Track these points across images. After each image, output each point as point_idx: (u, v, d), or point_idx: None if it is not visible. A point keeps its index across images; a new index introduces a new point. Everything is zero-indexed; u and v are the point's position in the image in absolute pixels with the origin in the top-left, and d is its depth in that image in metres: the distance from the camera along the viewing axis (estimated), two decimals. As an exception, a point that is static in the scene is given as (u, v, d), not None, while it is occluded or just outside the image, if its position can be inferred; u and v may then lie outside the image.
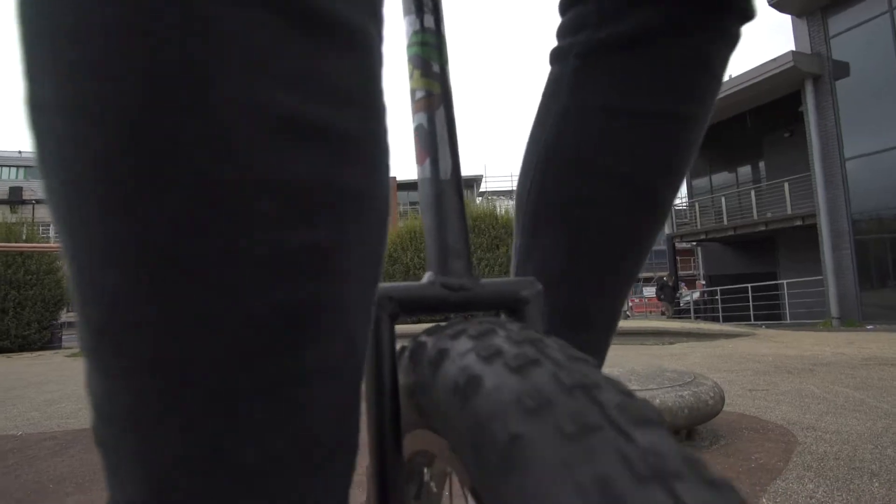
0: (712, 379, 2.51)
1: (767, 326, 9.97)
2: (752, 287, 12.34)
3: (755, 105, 13.41)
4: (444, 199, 0.39)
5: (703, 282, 19.82)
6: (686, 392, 2.22)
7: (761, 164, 15.09)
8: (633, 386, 2.31)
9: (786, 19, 11.42)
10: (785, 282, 11.68)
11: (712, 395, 2.26)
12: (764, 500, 1.67)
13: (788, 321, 11.29)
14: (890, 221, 10.21)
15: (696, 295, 18.61)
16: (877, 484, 1.75)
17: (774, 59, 10.81)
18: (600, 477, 0.16)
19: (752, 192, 13.73)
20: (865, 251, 10.49)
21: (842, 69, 10.80)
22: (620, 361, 3.87)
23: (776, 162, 13.92)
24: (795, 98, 11.88)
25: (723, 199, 14.48)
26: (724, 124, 14.56)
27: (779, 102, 12.88)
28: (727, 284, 14.00)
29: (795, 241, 13.69)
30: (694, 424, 2.27)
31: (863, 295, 10.19)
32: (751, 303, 12.25)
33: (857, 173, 10.59)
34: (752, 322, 11.42)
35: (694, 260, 33.43)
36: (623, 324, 9.73)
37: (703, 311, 14.51)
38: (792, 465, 1.97)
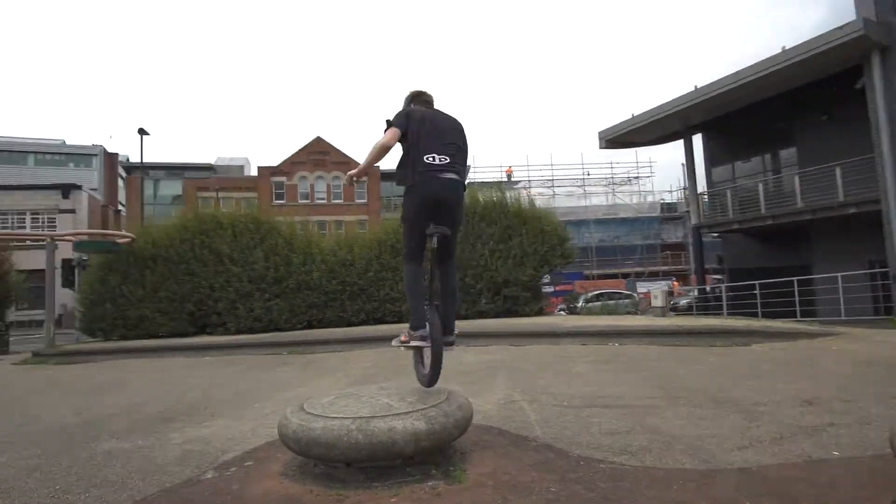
0: None
1: (821, 323, 8.96)
2: (790, 281, 11.42)
3: (787, 88, 12.53)
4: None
5: (719, 276, 19.02)
6: None
7: (786, 152, 14.33)
8: None
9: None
10: (840, 275, 10.72)
11: None
12: None
13: (843, 317, 10.35)
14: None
15: (696, 293, 17.81)
16: None
17: (841, 28, 9.84)
18: None
19: (797, 179, 12.82)
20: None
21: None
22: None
23: (811, 148, 13.10)
24: (846, 75, 11.03)
25: (760, 187, 13.54)
26: (751, 109, 13.63)
27: (814, 84, 12.04)
28: (751, 279, 12.99)
29: (829, 231, 12.89)
30: None
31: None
32: (797, 297, 11.29)
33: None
34: (798, 318, 10.47)
35: (685, 255, 32.90)
36: (686, 322, 8.54)
37: (732, 306, 13.48)
38: None
